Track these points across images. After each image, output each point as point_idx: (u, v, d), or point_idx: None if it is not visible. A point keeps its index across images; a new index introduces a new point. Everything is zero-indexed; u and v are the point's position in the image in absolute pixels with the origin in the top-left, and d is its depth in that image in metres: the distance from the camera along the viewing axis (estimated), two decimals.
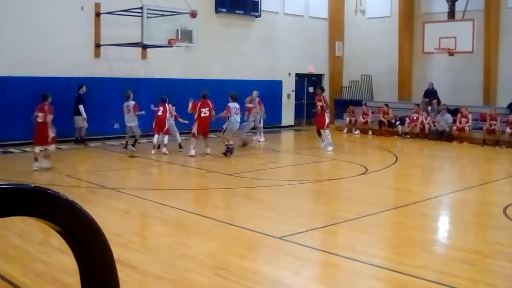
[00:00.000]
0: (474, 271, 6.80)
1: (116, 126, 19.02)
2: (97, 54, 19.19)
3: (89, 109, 18.23)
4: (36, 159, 12.86)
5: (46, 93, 13.21)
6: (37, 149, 12.96)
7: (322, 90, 16.64)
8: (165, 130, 16.10)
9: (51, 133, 12.85)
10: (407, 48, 25.06)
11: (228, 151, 15.68)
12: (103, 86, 18.89)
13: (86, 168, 14.05)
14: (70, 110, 17.35)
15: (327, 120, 17.70)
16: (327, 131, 17.58)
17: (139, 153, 16.09)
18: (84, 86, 17.59)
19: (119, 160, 15.11)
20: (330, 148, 17.29)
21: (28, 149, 16.06)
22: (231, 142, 15.84)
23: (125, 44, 18.41)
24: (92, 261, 1.15)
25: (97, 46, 19.06)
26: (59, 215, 1.10)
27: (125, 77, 19.40)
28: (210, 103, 15.98)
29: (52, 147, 13.08)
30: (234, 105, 16.25)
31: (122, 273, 6.20)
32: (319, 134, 18.10)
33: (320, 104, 17.78)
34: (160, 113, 16.17)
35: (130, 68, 19.90)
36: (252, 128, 19.56)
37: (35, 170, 12.79)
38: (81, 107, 17.38)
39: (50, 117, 12.77)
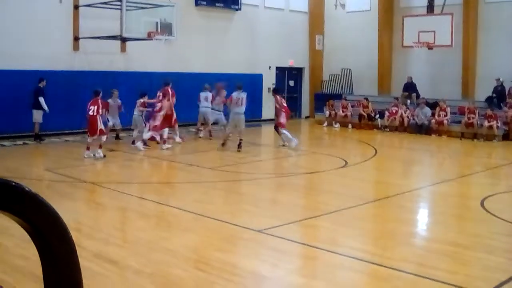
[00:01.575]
0: (452, 263, 6.87)
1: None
2: (76, 47, 19.00)
3: (67, 103, 18.07)
4: (88, 148, 14.05)
5: (97, 89, 14.39)
6: (90, 139, 14.16)
7: (275, 90, 16.42)
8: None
9: (101, 125, 13.99)
10: (387, 42, 25.18)
11: (240, 145, 15.65)
12: (82, 79, 18.71)
13: (65, 162, 13.93)
14: (49, 104, 17.13)
15: (282, 120, 17.13)
16: (283, 130, 17.03)
17: (118, 147, 16.00)
18: (44, 80, 16.93)
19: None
20: (294, 143, 16.67)
21: (6, 143, 15.92)
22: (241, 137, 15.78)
23: (104, 37, 18.25)
24: (55, 256, 1.13)
25: (76, 39, 18.87)
26: (21, 208, 1.07)
27: (105, 71, 19.24)
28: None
29: (102, 138, 14.10)
30: (238, 95, 15.84)
31: (102, 268, 6.19)
32: (277, 131, 17.79)
33: (276, 104, 17.59)
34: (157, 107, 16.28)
35: (110, 61, 19.73)
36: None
37: (86, 158, 13.97)
38: (41, 99, 16.69)
39: (102, 111, 14.03)
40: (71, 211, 8.41)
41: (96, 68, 19.16)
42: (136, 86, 18.79)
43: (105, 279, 5.95)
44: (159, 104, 16.09)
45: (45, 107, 16.69)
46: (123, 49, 20.15)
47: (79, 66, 18.93)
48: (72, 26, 18.78)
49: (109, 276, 6.10)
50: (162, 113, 15.91)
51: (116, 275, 6.17)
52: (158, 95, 16.41)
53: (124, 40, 19.02)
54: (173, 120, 16.49)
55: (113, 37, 18.20)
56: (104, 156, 14.00)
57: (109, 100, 16.31)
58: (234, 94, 15.77)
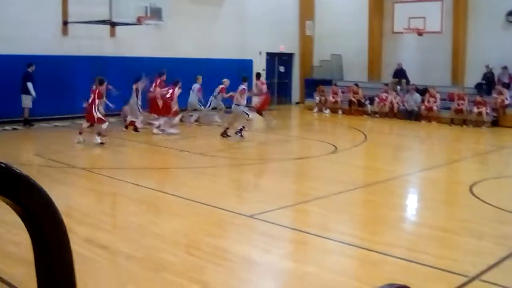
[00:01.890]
0: (441, 248, 6.94)
1: (85, 105, 18.76)
2: (65, 32, 18.85)
3: (57, 88, 17.97)
4: (80, 133, 14.15)
5: (101, 78, 14.93)
6: (85, 125, 14.44)
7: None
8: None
9: (97, 114, 14.15)
10: (377, 28, 25.16)
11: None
12: (71, 64, 18.59)
13: (55, 147, 13.88)
14: (38, 89, 17.01)
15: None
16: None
17: (109, 133, 15.94)
18: (33, 65, 16.81)
19: (90, 138, 14.92)
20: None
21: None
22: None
23: (93, 21, 18.10)
24: (47, 239, 1.13)
25: (65, 23, 18.71)
26: (13, 190, 1.07)
27: (94, 55, 19.12)
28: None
29: (102, 126, 14.13)
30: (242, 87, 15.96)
31: (93, 253, 6.20)
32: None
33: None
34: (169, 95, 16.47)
35: (99, 46, 19.60)
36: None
37: (76, 143, 14.13)
38: (29, 84, 16.59)
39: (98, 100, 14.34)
40: (62, 197, 8.39)
41: (85, 53, 19.03)
42: (125, 71, 18.69)
43: (96, 264, 5.96)
44: (170, 91, 16.45)
45: (33, 92, 16.57)
46: (112, 33, 20.03)
47: (68, 50, 18.78)
48: (61, 10, 18.61)
49: (100, 261, 6.11)
50: (175, 100, 16.46)
51: (107, 260, 6.19)
52: (154, 84, 16.55)
53: (113, 24, 18.89)
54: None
55: (103, 22, 18.06)
56: (102, 143, 13.87)
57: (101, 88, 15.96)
58: (240, 87, 15.77)
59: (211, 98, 19.53)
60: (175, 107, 16.60)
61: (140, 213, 8.31)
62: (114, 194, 9.72)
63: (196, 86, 19.00)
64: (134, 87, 16.33)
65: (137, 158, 13.50)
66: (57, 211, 1.16)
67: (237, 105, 15.61)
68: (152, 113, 16.71)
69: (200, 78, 19.18)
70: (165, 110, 16.30)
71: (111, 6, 17.01)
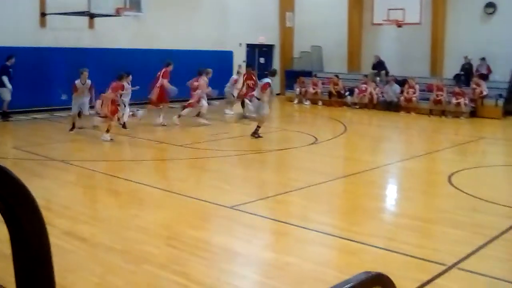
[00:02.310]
0: (420, 237, 7.02)
1: (63, 97, 18.61)
2: (43, 23, 18.64)
3: (35, 80, 17.80)
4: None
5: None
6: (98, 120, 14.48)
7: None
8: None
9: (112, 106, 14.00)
10: (357, 20, 25.24)
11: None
12: (49, 56, 18.41)
13: (34, 140, 13.75)
14: (16, 81, 16.81)
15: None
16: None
17: (88, 124, 15.83)
18: (13, 58, 16.53)
19: (67, 132, 14.83)
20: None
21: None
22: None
23: (71, 13, 17.90)
24: (24, 230, 1.13)
25: (43, 15, 18.50)
26: None
27: (72, 47, 18.95)
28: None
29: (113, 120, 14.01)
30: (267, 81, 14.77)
31: (72, 245, 6.17)
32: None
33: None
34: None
35: (77, 37, 19.41)
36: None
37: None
38: (5, 78, 16.30)
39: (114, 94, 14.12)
40: (41, 189, 8.33)
41: (63, 44, 18.85)
42: (104, 63, 18.55)
43: (76, 257, 5.94)
44: (196, 83, 16.56)
45: (9, 85, 16.37)
46: (91, 25, 19.84)
47: (46, 42, 18.58)
48: (38, 1, 18.40)
49: (80, 253, 6.09)
50: (199, 91, 16.58)
51: (87, 253, 6.16)
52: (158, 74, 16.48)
53: (92, 16, 18.71)
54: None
55: (81, 13, 17.87)
56: (111, 139, 13.55)
57: (76, 82, 14.99)
58: (264, 81, 14.90)
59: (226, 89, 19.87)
60: (195, 97, 16.56)
61: (120, 205, 8.29)
62: (94, 186, 9.68)
63: (233, 77, 19.66)
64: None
65: (117, 151, 13.41)
66: (35, 203, 1.16)
67: (258, 99, 14.42)
68: (160, 103, 16.53)
69: (241, 67, 20.16)
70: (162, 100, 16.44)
71: None
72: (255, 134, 14.27)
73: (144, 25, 20.72)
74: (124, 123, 15.26)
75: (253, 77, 18.53)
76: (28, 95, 17.60)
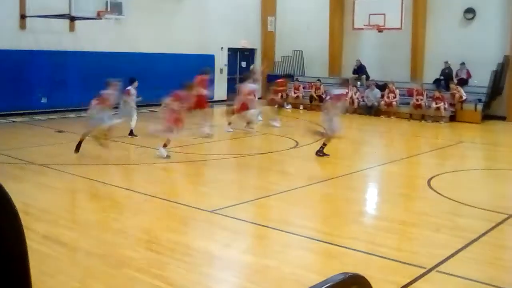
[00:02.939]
0: (400, 241, 7.07)
1: (43, 100, 18.50)
2: (23, 26, 18.48)
3: (14, 83, 17.63)
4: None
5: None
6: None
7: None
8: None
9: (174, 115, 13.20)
10: (338, 24, 25.35)
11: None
12: (29, 59, 18.26)
13: (13, 144, 13.61)
14: None
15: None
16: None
17: (67, 128, 15.73)
18: None
19: (47, 136, 14.71)
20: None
21: None
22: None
23: (52, 15, 17.79)
24: (1, 233, 1.12)
25: (22, 17, 18.34)
26: None
27: (53, 50, 18.81)
28: None
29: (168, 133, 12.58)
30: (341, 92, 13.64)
31: (52, 250, 6.12)
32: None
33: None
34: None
35: (58, 40, 19.27)
36: None
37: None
38: None
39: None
40: (19, 193, 8.24)
41: (43, 47, 18.70)
42: (85, 66, 18.47)
43: (55, 261, 5.89)
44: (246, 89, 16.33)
45: None
46: (71, 28, 19.70)
47: (26, 45, 18.42)
48: (18, 3, 18.23)
49: (59, 258, 6.04)
50: (250, 97, 16.46)
51: (67, 257, 6.12)
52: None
53: (72, 19, 18.58)
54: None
55: (62, 16, 17.76)
56: (168, 156, 11.97)
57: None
58: (337, 91, 13.58)
59: None
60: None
61: (100, 209, 8.24)
62: (73, 190, 9.61)
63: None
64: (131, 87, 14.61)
65: (97, 154, 13.31)
66: (11, 204, 1.15)
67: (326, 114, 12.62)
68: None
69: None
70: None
71: (70, 0, 16.74)
72: (320, 153, 12.42)
73: (125, 29, 20.62)
74: (132, 130, 14.78)
75: (286, 86, 18.40)
76: (7, 98, 17.43)
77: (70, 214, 8.20)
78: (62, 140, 14.14)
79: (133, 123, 14.69)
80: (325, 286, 1.55)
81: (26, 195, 8.55)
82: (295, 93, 23.94)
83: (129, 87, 14.43)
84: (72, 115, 17.46)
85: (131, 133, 14.68)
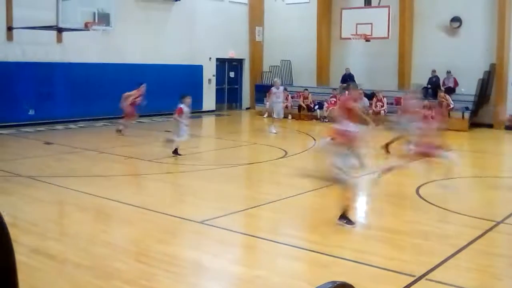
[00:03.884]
0: (389, 249, 7.07)
1: (31, 112, 18.41)
2: (10, 38, 18.42)
3: (1, 95, 17.57)
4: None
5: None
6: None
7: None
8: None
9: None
10: (325, 34, 25.48)
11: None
12: (16, 70, 18.18)
13: (0, 156, 13.52)
14: None
15: None
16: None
17: (55, 140, 15.65)
18: None
19: (34, 148, 14.64)
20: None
21: None
22: None
23: (39, 27, 17.75)
24: None
25: (9, 29, 18.30)
26: None
27: (40, 62, 18.76)
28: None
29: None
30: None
31: (40, 263, 6.07)
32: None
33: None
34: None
35: (45, 52, 19.23)
36: None
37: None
38: None
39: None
40: (6, 206, 8.20)
41: (31, 59, 18.65)
42: (72, 78, 18.41)
43: (44, 274, 5.84)
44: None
45: None
46: (59, 39, 19.68)
47: (13, 57, 18.38)
48: (5, 15, 18.20)
49: (48, 271, 5.99)
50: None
51: (55, 270, 6.06)
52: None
53: (60, 30, 18.57)
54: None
55: (49, 27, 17.73)
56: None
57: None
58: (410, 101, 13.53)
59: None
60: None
61: (88, 221, 8.19)
62: (61, 202, 9.54)
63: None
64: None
65: (84, 166, 13.25)
66: (1, 218, 1.14)
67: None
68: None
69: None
70: None
71: (58, 11, 16.70)
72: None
73: (113, 40, 20.61)
74: (176, 149, 13.52)
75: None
76: None
77: (58, 226, 8.14)
78: (50, 152, 14.07)
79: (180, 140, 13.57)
80: None
81: (14, 208, 8.48)
82: (283, 102, 23.96)
83: (181, 105, 13.43)
84: (60, 126, 17.39)
85: (175, 151, 13.51)
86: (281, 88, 20.04)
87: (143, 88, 17.14)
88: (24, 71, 18.29)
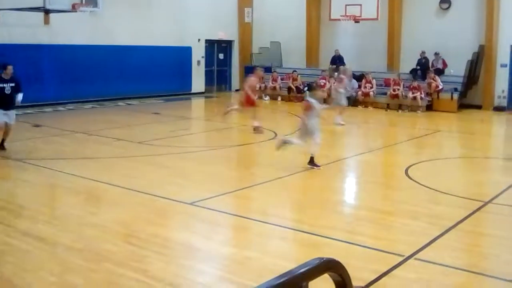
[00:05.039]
0: (379, 229, 7.13)
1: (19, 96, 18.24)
2: None
3: None
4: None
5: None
6: None
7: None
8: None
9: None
10: (315, 15, 25.38)
11: None
12: (2, 53, 17.97)
13: None
14: None
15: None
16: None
17: (44, 122, 15.57)
18: None
19: (23, 130, 14.55)
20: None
21: None
22: None
23: (26, 8, 17.53)
24: None
25: None
26: None
27: (27, 44, 18.57)
28: None
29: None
30: None
31: (31, 246, 6.08)
32: None
33: None
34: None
35: (32, 34, 19.02)
36: None
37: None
38: None
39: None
40: None
41: (18, 41, 18.43)
42: (60, 60, 18.26)
43: (35, 257, 5.84)
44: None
45: None
46: (46, 21, 19.45)
47: None
48: None
49: (38, 253, 5.99)
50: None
51: (46, 252, 6.07)
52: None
53: (47, 12, 18.35)
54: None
55: (36, 9, 17.52)
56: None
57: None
58: None
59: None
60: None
61: (78, 203, 8.18)
62: (51, 185, 9.53)
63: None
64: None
65: (74, 148, 13.20)
66: None
67: None
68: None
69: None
70: None
71: None
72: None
73: (101, 21, 20.43)
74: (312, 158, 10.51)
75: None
76: None
77: (49, 209, 8.13)
78: (39, 135, 14.01)
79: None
80: (302, 270, 1.59)
81: (3, 191, 8.47)
82: (272, 84, 23.95)
83: (310, 99, 10.56)
84: (48, 109, 17.28)
85: (311, 162, 10.45)
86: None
87: (260, 72, 16.26)
88: (11, 53, 18.07)
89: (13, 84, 11.66)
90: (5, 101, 11.48)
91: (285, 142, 10.77)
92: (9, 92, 11.58)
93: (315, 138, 10.25)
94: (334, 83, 19.22)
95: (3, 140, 11.74)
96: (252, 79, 15.54)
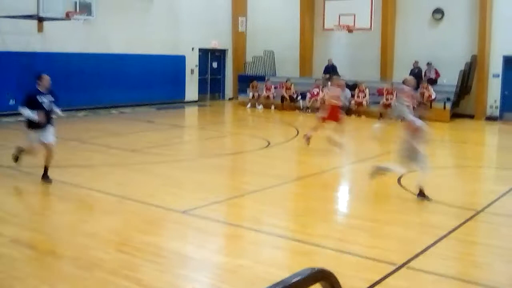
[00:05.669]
0: (371, 238, 7.13)
1: (11, 102, 18.20)
2: None
3: None
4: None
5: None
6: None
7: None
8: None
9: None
10: (308, 25, 25.48)
11: None
12: None
13: None
14: None
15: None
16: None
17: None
18: None
19: (15, 137, 14.47)
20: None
21: None
22: None
23: (20, 16, 17.54)
24: None
25: None
26: None
27: (21, 51, 18.55)
28: None
29: None
30: None
31: (21, 253, 6.05)
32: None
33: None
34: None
35: (26, 41, 19.00)
36: None
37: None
38: None
39: None
40: None
41: (11, 48, 18.42)
42: (54, 68, 18.20)
43: (24, 265, 5.81)
44: None
45: None
46: (40, 29, 19.45)
47: None
48: None
49: (29, 261, 5.96)
50: None
51: (36, 261, 6.04)
52: None
53: (41, 19, 18.36)
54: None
55: (30, 17, 17.53)
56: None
57: None
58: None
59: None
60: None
61: (70, 211, 8.15)
62: (41, 192, 9.48)
63: None
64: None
65: (66, 156, 13.15)
66: None
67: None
68: None
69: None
70: None
71: (38, 0, 16.52)
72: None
73: (95, 29, 20.44)
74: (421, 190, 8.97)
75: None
76: None
77: (40, 216, 8.09)
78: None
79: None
80: (293, 280, 1.58)
81: None
82: (266, 93, 23.98)
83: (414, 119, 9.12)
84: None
85: (421, 194, 8.93)
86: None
87: (340, 81, 14.81)
88: (5, 61, 18.08)
89: (52, 99, 9.92)
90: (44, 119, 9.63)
91: (381, 170, 9.57)
92: (49, 108, 9.79)
93: (423, 165, 8.85)
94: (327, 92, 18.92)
95: (46, 169, 9.75)
96: (335, 89, 14.33)
